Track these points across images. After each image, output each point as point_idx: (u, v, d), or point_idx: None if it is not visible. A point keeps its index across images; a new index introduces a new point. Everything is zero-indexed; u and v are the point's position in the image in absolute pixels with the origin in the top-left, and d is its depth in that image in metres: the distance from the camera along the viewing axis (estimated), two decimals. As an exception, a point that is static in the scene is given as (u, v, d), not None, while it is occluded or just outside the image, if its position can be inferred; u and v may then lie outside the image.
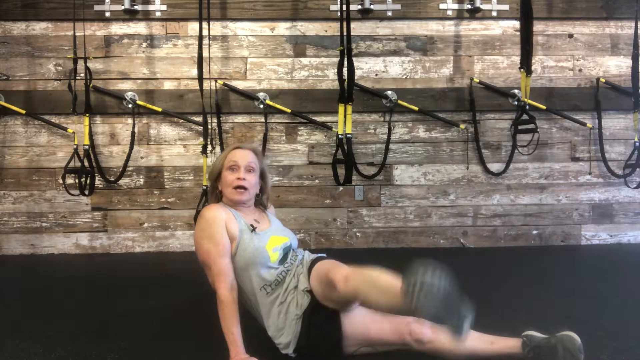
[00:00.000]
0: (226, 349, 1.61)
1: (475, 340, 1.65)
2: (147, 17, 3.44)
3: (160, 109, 3.40)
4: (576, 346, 1.55)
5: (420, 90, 3.50)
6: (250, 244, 1.75)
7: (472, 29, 3.55)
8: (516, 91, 3.47)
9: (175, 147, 3.50)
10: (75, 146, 3.16)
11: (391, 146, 3.48)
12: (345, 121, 3.06)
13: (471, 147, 3.55)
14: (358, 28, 3.48)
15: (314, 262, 1.79)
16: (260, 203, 1.99)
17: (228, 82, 3.45)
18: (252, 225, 1.81)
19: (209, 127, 3.15)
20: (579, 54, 3.57)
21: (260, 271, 1.74)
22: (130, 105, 3.40)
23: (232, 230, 1.75)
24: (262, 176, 1.94)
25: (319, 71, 3.51)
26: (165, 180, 3.50)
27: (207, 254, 1.71)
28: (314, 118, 3.47)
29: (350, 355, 1.71)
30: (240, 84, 3.47)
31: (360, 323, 1.69)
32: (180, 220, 3.51)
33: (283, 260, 1.80)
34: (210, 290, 1.75)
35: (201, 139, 3.13)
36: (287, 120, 3.51)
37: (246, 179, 1.82)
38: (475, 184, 3.58)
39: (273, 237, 1.83)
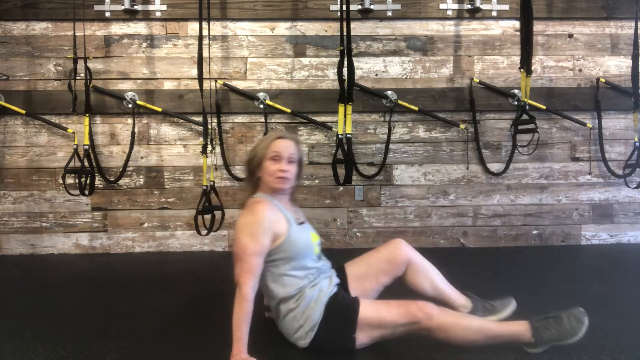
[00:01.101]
0: (226, 349, 1.61)
1: (483, 320, 1.76)
2: (147, 17, 3.44)
3: (160, 109, 3.40)
4: (579, 311, 1.69)
5: (420, 90, 3.50)
6: (299, 236, 1.82)
7: (472, 29, 3.55)
8: (516, 91, 3.47)
9: (175, 147, 3.50)
10: (75, 146, 3.16)
11: (391, 146, 3.48)
12: (345, 121, 3.06)
13: (471, 147, 3.55)
14: (358, 28, 3.48)
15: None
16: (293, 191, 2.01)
17: (228, 82, 3.45)
18: (298, 218, 1.89)
19: (209, 127, 3.15)
20: (579, 54, 3.57)
21: (306, 262, 1.82)
22: (130, 105, 3.40)
23: (279, 230, 1.78)
24: (299, 165, 1.96)
25: (319, 71, 3.51)
26: (165, 180, 3.50)
27: (243, 248, 1.71)
28: (314, 118, 3.47)
29: (362, 344, 1.73)
30: (240, 84, 3.47)
31: (371, 305, 1.77)
32: (180, 221, 3.51)
33: (320, 256, 1.91)
34: (210, 290, 1.75)
35: (201, 139, 3.13)
36: (287, 120, 3.51)
37: (288, 170, 1.85)
38: (475, 184, 3.58)
39: (312, 233, 1.92)
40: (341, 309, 1.75)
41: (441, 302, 1.90)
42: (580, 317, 1.67)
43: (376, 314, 1.72)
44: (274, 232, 1.77)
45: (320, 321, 1.73)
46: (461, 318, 1.73)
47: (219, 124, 3.44)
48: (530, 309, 2.12)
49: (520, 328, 1.69)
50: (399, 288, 1.97)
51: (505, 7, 3.50)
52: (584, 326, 1.66)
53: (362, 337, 1.73)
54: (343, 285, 1.92)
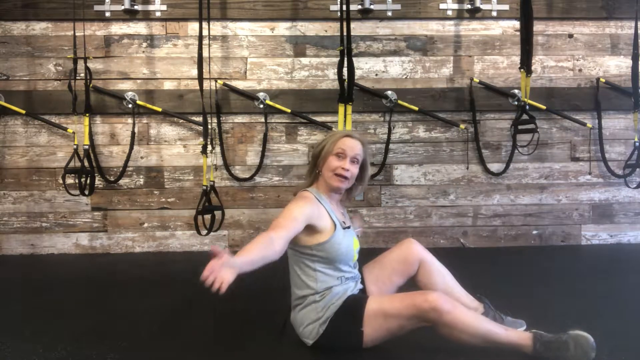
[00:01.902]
0: (225, 349, 1.62)
1: (492, 324, 1.69)
2: (147, 17, 3.44)
3: (160, 109, 3.40)
4: (589, 343, 1.58)
5: (420, 90, 3.50)
6: (343, 240, 1.82)
7: (472, 29, 3.55)
8: (516, 91, 3.47)
9: (175, 147, 3.50)
10: (75, 146, 3.16)
11: (391, 146, 3.48)
12: (345, 121, 3.06)
13: (471, 147, 3.55)
14: (358, 28, 3.48)
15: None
16: (351, 192, 2.00)
17: (228, 82, 3.45)
18: (344, 222, 1.89)
19: (209, 127, 3.15)
20: (579, 54, 3.57)
21: (342, 267, 1.83)
22: (130, 105, 3.40)
23: (318, 226, 1.78)
24: (363, 167, 1.95)
25: (319, 71, 3.51)
26: (165, 180, 3.50)
27: (277, 217, 1.70)
28: (314, 118, 3.47)
29: (371, 341, 1.72)
30: (240, 84, 3.47)
31: (378, 298, 1.78)
32: (180, 220, 3.51)
33: (356, 263, 1.92)
34: (210, 290, 1.75)
35: (201, 139, 3.13)
36: (287, 120, 3.51)
37: (349, 170, 1.85)
38: (475, 184, 3.58)
39: (354, 239, 1.92)
40: (350, 304, 1.76)
41: None
42: (588, 351, 1.58)
43: (380, 305, 1.71)
44: (315, 223, 1.76)
45: (332, 317, 1.74)
46: (472, 320, 1.65)
47: (219, 124, 3.44)
48: (530, 310, 2.12)
49: (523, 342, 1.64)
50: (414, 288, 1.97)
51: (505, 7, 3.50)
52: None
53: (370, 332, 1.71)
54: (362, 290, 1.93)
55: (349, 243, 1.85)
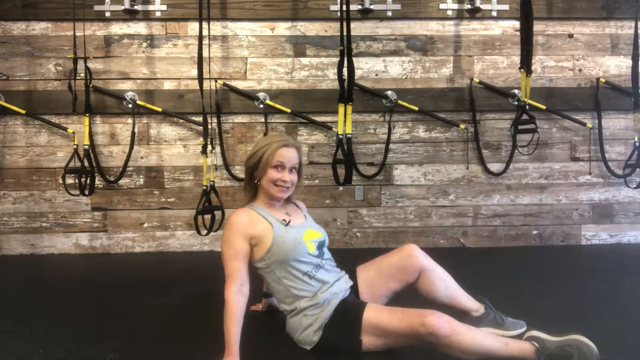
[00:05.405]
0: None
1: (491, 340, 1.63)
2: (147, 17, 3.44)
3: (160, 109, 3.40)
4: (593, 353, 1.55)
5: (420, 90, 3.50)
6: (287, 236, 1.82)
7: (472, 29, 3.55)
8: (516, 91, 3.47)
9: (175, 147, 3.50)
10: (75, 146, 3.16)
11: (391, 146, 3.48)
12: (345, 121, 3.06)
13: (471, 147, 3.55)
14: (358, 28, 3.48)
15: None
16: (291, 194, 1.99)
17: (228, 82, 3.45)
18: (284, 220, 1.87)
19: (209, 127, 3.15)
20: (579, 54, 3.57)
21: (300, 260, 1.82)
22: (130, 105, 3.40)
23: (257, 232, 1.81)
24: (299, 170, 1.96)
25: (319, 71, 3.51)
26: (165, 180, 3.50)
27: (222, 255, 1.80)
28: (314, 118, 3.47)
29: (369, 348, 1.71)
30: (240, 84, 3.47)
31: (376, 310, 1.75)
32: (180, 220, 3.51)
33: (320, 253, 1.89)
34: (210, 290, 1.76)
35: (201, 139, 3.13)
36: (287, 120, 3.51)
37: (288, 180, 1.87)
38: (475, 184, 3.58)
39: (309, 230, 1.91)
40: (347, 311, 1.75)
41: (453, 307, 1.88)
42: None
43: (378, 319, 1.69)
44: (250, 234, 1.79)
45: (327, 322, 1.73)
46: (470, 342, 1.58)
47: (219, 124, 3.44)
48: (530, 310, 2.12)
49: (525, 356, 1.60)
50: (413, 292, 1.96)
51: (505, 7, 3.50)
52: None
53: (368, 342, 1.70)
54: (354, 289, 1.91)
55: (296, 237, 1.83)
